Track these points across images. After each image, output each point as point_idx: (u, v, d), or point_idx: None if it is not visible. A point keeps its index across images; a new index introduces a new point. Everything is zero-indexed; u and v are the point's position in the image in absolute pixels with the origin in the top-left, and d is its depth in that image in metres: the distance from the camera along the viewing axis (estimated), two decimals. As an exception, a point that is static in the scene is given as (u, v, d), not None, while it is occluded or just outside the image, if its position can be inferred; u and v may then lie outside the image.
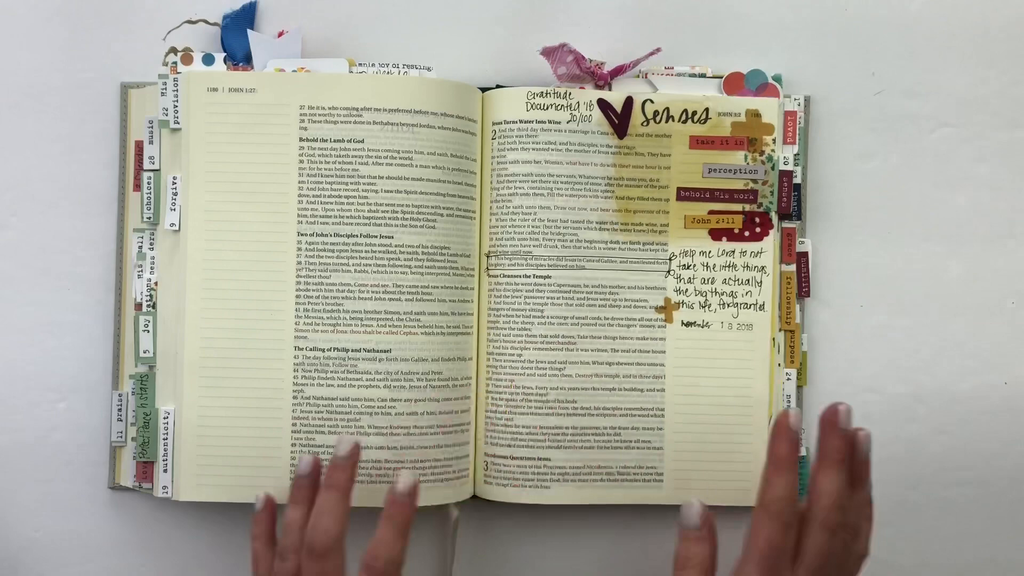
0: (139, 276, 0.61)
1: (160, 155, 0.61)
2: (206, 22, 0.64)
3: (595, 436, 0.63)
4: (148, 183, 0.62)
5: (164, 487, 0.61)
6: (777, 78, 0.64)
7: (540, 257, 0.62)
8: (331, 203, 0.60)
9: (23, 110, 0.64)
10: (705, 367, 0.63)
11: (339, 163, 0.60)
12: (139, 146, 0.62)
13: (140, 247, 0.62)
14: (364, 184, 0.60)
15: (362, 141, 0.60)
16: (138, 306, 0.61)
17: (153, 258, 0.61)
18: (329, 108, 0.60)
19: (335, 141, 0.60)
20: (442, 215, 0.61)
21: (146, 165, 0.62)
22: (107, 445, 0.63)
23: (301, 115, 0.60)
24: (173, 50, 0.62)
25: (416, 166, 0.60)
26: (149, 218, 0.62)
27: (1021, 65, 0.66)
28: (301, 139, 0.60)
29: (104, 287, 0.64)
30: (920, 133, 0.66)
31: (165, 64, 0.62)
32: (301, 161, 0.60)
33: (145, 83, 0.63)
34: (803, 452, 0.64)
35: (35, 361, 0.64)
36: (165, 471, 0.61)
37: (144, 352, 0.61)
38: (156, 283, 0.61)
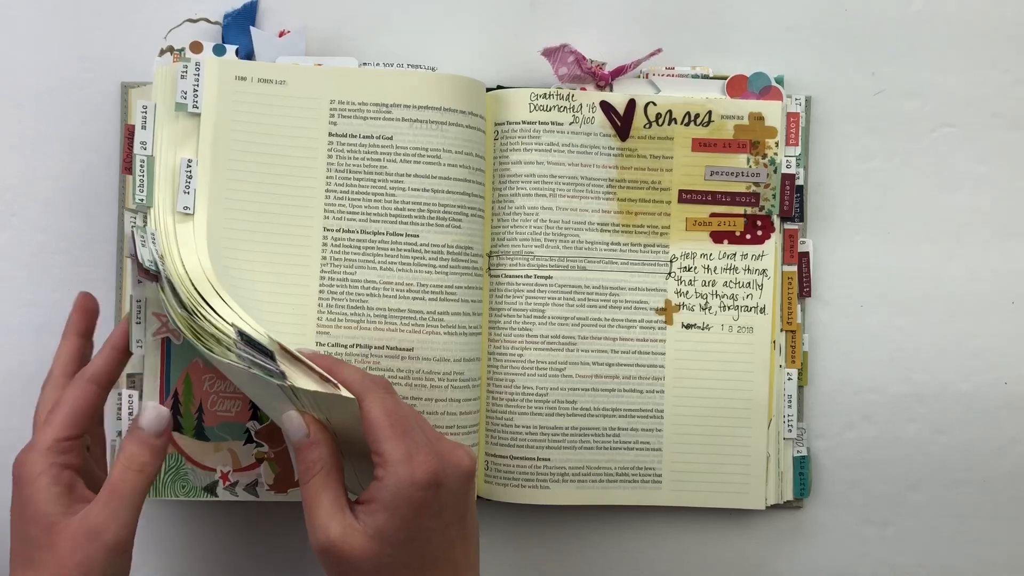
0: (143, 245, 0.56)
1: (152, 140, 0.58)
2: (207, 21, 0.64)
3: (595, 437, 0.63)
4: (141, 166, 0.58)
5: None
6: (780, 80, 0.64)
7: (541, 258, 0.62)
8: (358, 199, 0.60)
9: (24, 110, 0.64)
10: (705, 369, 0.63)
11: (367, 159, 0.60)
12: (130, 130, 0.61)
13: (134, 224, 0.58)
14: (392, 181, 0.60)
15: (391, 138, 0.60)
16: (145, 273, 0.56)
17: (153, 235, 0.57)
18: (359, 103, 0.59)
19: (364, 137, 0.60)
20: (467, 215, 0.60)
21: (136, 149, 0.58)
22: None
23: (331, 110, 0.59)
24: (171, 48, 0.61)
25: (444, 164, 0.60)
26: (142, 200, 0.58)
27: (1021, 65, 0.66)
28: (330, 134, 0.59)
29: (104, 287, 0.64)
30: (920, 133, 0.66)
31: (161, 54, 0.61)
32: (330, 156, 0.59)
33: (145, 83, 0.63)
34: (804, 452, 0.64)
35: (35, 361, 0.64)
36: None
37: (137, 343, 0.59)
38: (162, 255, 0.56)
